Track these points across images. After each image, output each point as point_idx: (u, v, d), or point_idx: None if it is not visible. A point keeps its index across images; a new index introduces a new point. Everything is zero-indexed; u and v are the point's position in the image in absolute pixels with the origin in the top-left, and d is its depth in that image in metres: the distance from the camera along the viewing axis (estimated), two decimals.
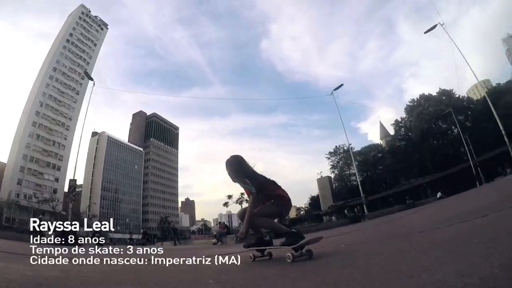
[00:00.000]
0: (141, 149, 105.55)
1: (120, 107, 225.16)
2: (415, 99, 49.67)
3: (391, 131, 64.15)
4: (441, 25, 18.29)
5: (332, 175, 65.88)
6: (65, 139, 75.32)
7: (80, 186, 79.64)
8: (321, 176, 66.00)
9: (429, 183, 38.74)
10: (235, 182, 3.00)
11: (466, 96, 48.98)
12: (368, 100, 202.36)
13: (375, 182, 52.56)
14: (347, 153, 59.11)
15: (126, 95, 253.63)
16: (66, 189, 73.42)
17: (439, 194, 27.49)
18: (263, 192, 2.91)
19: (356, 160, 52.85)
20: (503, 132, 19.45)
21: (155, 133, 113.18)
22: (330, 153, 63.41)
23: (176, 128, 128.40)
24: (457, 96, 46.17)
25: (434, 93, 48.10)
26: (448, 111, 36.79)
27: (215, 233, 20.26)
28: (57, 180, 69.95)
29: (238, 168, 2.93)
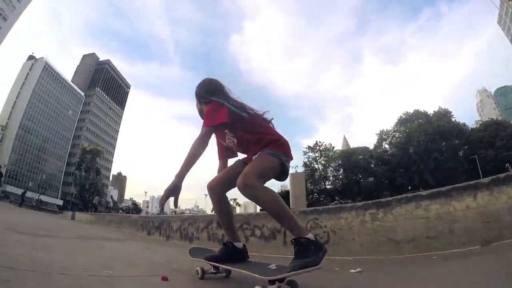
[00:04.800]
0: (82, 93, 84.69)
1: (72, 54, 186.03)
2: (409, 112, 47.65)
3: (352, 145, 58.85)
4: None
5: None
6: None
7: None
8: (296, 170, 53.97)
9: None
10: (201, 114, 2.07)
11: (460, 121, 46.87)
12: (317, 120, 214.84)
13: (363, 188, 46.51)
14: (327, 152, 53.06)
15: (80, 48, 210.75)
16: None
17: None
18: (241, 126, 1.91)
19: (335, 162, 49.56)
20: None
21: (103, 83, 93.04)
22: (309, 147, 53.74)
23: (128, 86, 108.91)
24: (453, 120, 45.82)
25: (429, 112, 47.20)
26: (451, 129, 41.29)
27: None
28: None
29: (211, 89, 2.04)
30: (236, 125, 1.88)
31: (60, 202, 63.52)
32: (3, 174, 17.60)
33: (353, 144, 59.58)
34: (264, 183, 1.73)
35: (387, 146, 48.03)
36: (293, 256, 1.54)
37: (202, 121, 1.88)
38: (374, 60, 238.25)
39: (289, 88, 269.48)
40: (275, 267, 1.58)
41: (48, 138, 70.25)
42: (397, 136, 46.69)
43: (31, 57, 71.08)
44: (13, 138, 59.42)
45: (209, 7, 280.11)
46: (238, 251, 1.91)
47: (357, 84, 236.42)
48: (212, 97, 1.94)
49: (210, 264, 1.94)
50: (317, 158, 53.55)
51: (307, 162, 53.36)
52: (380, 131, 48.32)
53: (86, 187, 58.90)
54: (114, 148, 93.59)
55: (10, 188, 54.75)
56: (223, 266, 1.87)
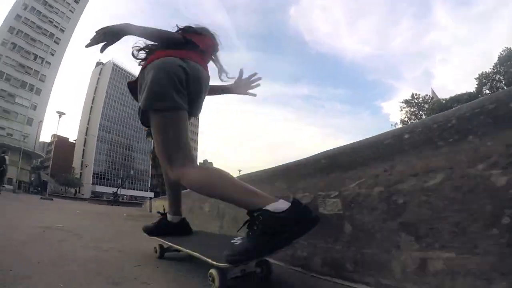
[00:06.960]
0: None
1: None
2: (510, 48, 41.03)
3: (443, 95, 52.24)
4: None
5: None
6: (52, 54, 54.98)
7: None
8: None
9: None
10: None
11: None
12: (394, 80, 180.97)
13: None
14: (425, 105, 48.55)
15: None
16: (45, 120, 53.36)
17: None
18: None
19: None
20: None
21: None
22: (405, 101, 50.10)
23: None
24: None
25: None
26: None
27: None
28: (34, 107, 50.48)
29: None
30: None
31: (152, 195, 63.17)
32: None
33: (442, 97, 50.06)
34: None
35: (488, 91, 42.54)
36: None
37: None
38: (445, 4, 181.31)
39: (360, 51, 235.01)
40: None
41: (131, 135, 71.67)
42: (497, 78, 42.38)
43: (98, 63, 73.27)
44: (95, 140, 61.26)
45: None
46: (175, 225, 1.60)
47: (432, 34, 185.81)
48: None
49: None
50: (416, 112, 49.48)
51: (405, 119, 48.60)
52: (479, 74, 43.64)
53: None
54: (197, 135, 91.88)
55: (99, 188, 55.85)
56: (176, 246, 1.40)
